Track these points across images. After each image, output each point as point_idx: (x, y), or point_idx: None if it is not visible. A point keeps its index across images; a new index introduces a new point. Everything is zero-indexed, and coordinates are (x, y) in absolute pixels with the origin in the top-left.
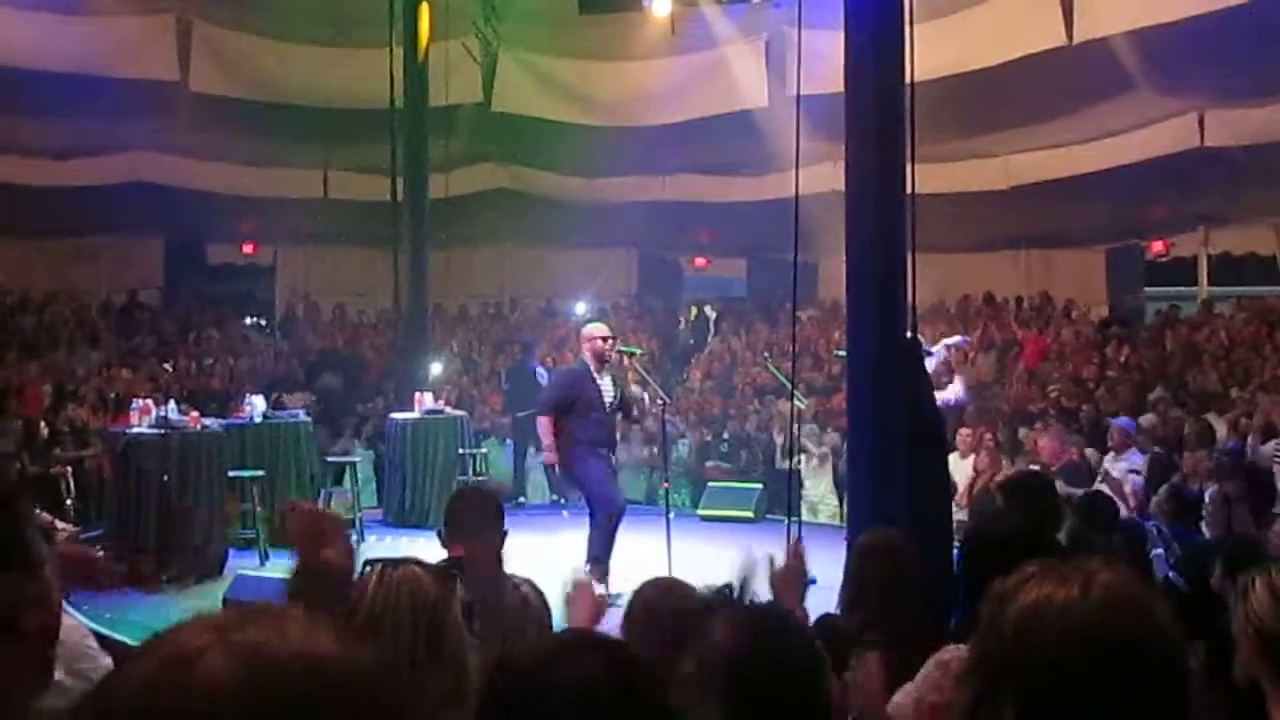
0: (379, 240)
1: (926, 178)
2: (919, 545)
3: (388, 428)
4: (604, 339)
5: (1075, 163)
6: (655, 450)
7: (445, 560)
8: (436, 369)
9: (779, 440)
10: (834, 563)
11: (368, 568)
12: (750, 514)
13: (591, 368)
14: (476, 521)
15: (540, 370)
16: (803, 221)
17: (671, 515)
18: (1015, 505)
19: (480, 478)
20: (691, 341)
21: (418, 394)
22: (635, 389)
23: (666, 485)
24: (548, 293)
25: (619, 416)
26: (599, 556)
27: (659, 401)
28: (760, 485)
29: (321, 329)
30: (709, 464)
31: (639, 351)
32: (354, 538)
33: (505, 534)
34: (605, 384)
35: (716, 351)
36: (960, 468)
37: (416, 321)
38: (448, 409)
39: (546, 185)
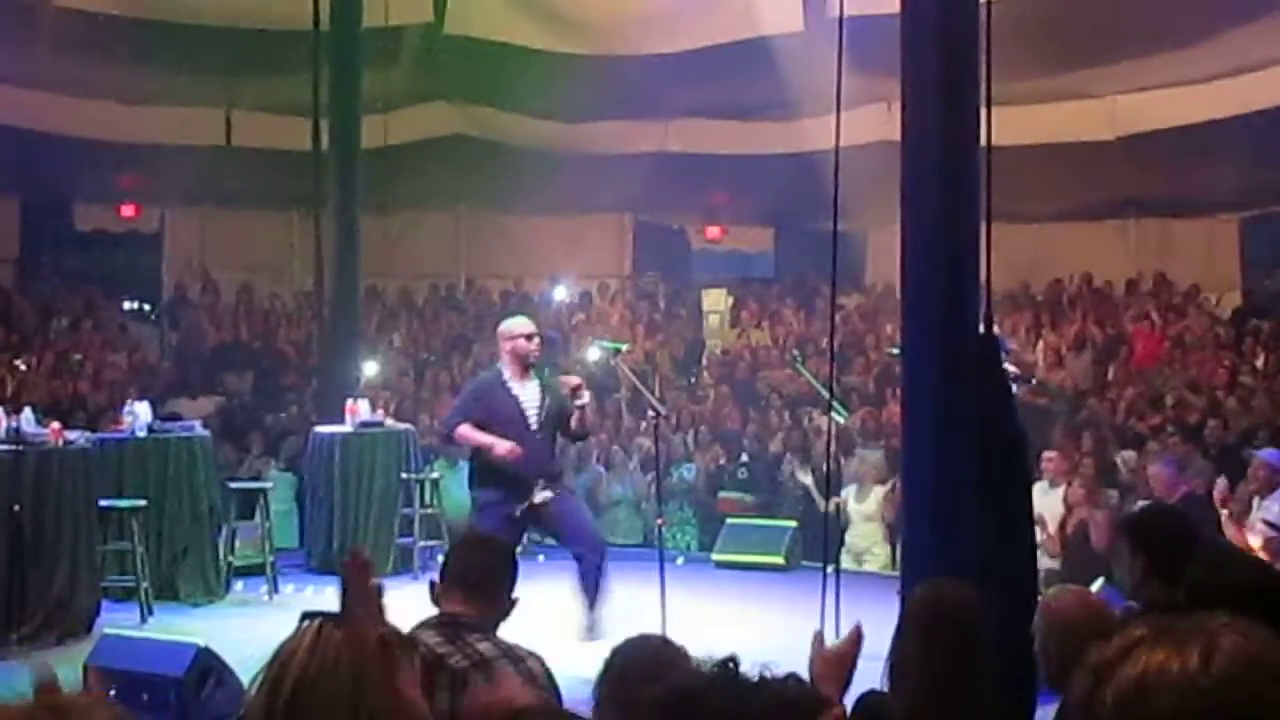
0: (297, 202)
1: (1007, 125)
2: (993, 602)
3: (310, 445)
4: (527, 337)
5: (1201, 106)
6: (650, 476)
7: (441, 616)
8: (372, 369)
9: (810, 471)
10: (883, 623)
11: (305, 622)
12: (780, 560)
13: (506, 374)
14: (488, 577)
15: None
16: (846, 181)
17: (679, 561)
18: (1141, 555)
19: (428, 510)
20: (701, 338)
21: (349, 402)
22: (579, 397)
23: (660, 522)
24: (516, 272)
25: (553, 435)
26: None
27: (651, 414)
28: (793, 523)
29: (223, 316)
30: (723, 494)
31: (625, 348)
32: (265, 586)
33: (515, 600)
34: (528, 394)
35: (734, 349)
36: (1047, 501)
37: (346, 307)
38: (389, 421)
39: (515, 132)
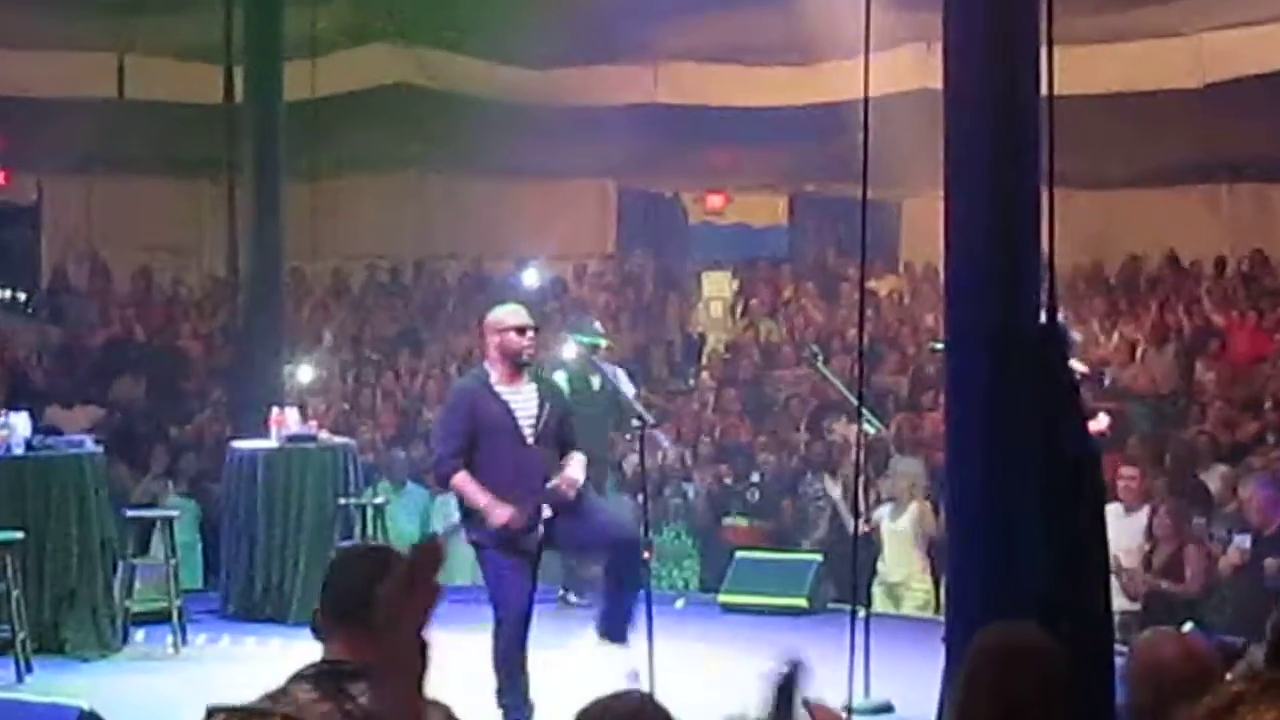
0: (206, 168)
1: (1073, 69)
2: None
3: (227, 464)
4: (518, 329)
5: None
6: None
7: (324, 663)
8: (301, 372)
9: (840, 485)
10: (926, 677)
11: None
12: (802, 601)
13: (493, 377)
14: (370, 605)
15: (608, 370)
16: (877, 139)
17: (678, 604)
18: None
19: (374, 544)
20: (700, 330)
21: (274, 411)
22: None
23: (648, 555)
24: (475, 251)
25: (557, 450)
26: (500, 684)
27: (636, 423)
28: (818, 557)
29: (115, 306)
30: (729, 521)
31: (605, 343)
32: (171, 637)
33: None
34: (522, 400)
35: (741, 345)
36: (1124, 528)
37: (267, 296)
38: (323, 434)
39: (472, 80)
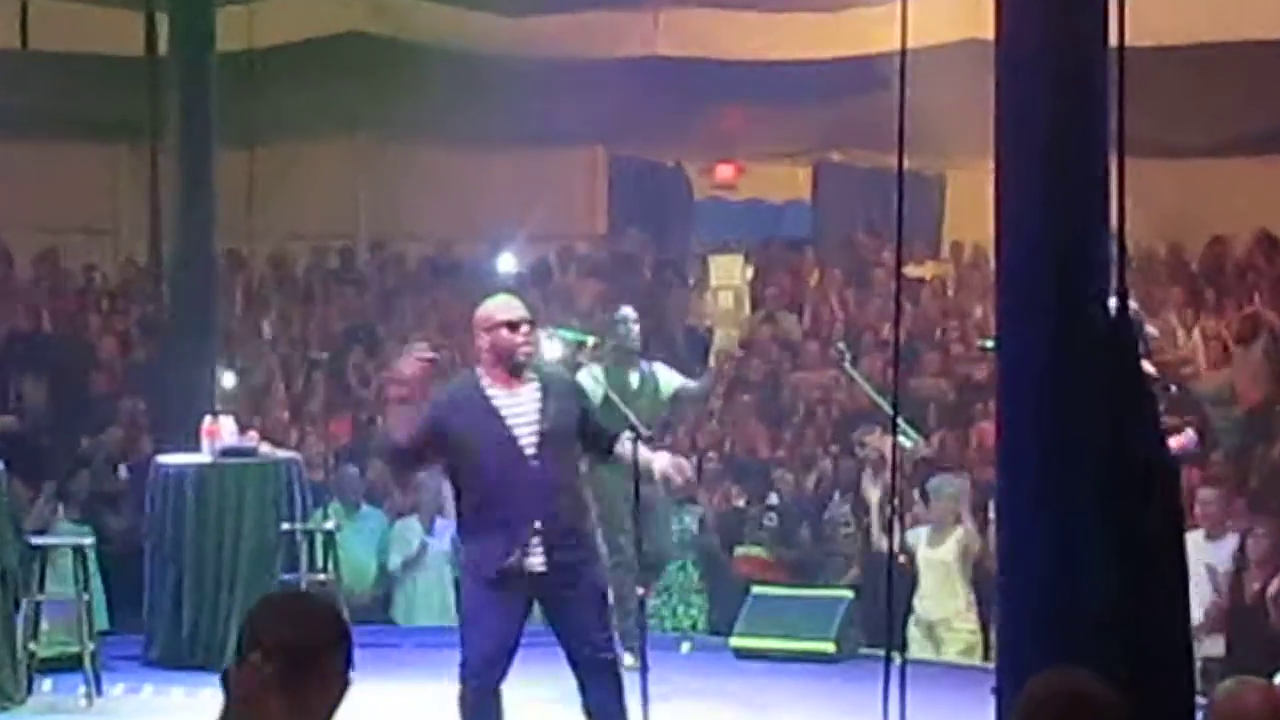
0: (123, 131)
1: (1147, 16)
2: (1133, 702)
3: (150, 482)
4: (509, 325)
5: None
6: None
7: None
8: (239, 375)
9: (873, 508)
10: None
11: None
12: (829, 646)
13: (485, 380)
14: (299, 649)
15: (647, 369)
16: (917, 99)
17: (684, 648)
18: None
19: (319, 576)
20: (707, 324)
21: (207, 420)
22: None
23: (644, 592)
24: (441, 231)
25: (570, 462)
26: None
27: (629, 434)
28: (848, 594)
29: (14, 294)
30: (742, 551)
31: (592, 340)
32: (84, 687)
33: (347, 683)
34: (519, 406)
35: (756, 342)
36: (1206, 557)
37: (195, 283)
38: (264, 447)
39: (436, 28)
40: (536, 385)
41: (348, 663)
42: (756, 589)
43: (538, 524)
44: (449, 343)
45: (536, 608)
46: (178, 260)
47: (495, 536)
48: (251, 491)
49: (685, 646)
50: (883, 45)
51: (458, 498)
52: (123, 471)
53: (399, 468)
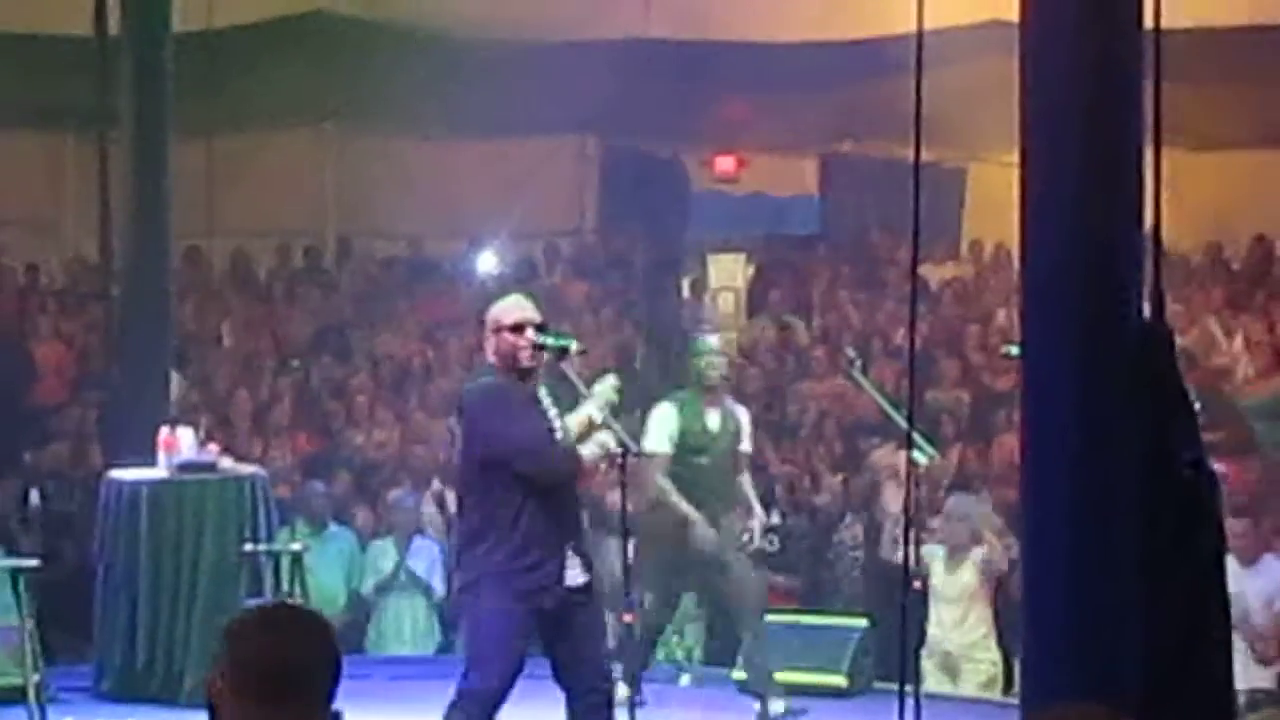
0: (70, 118)
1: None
2: None
3: (102, 498)
4: (512, 328)
5: None
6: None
7: None
8: (196, 382)
9: (890, 530)
10: None
11: None
12: (840, 680)
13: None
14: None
15: (732, 409)
16: (934, 86)
17: (683, 680)
18: None
19: (288, 600)
20: (707, 329)
21: (164, 431)
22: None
23: (630, 619)
24: (415, 227)
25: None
26: None
27: (617, 448)
28: (862, 622)
29: None
30: None
31: (576, 346)
32: None
33: (338, 715)
34: (546, 411)
35: (759, 347)
36: (1249, 584)
37: (149, 284)
38: (225, 461)
39: (410, 7)
40: (546, 393)
41: (332, 687)
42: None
43: (572, 542)
44: (424, 347)
45: None
46: (130, 258)
47: (534, 550)
48: (212, 509)
49: (685, 678)
50: (898, 27)
51: (483, 505)
52: (33, 498)
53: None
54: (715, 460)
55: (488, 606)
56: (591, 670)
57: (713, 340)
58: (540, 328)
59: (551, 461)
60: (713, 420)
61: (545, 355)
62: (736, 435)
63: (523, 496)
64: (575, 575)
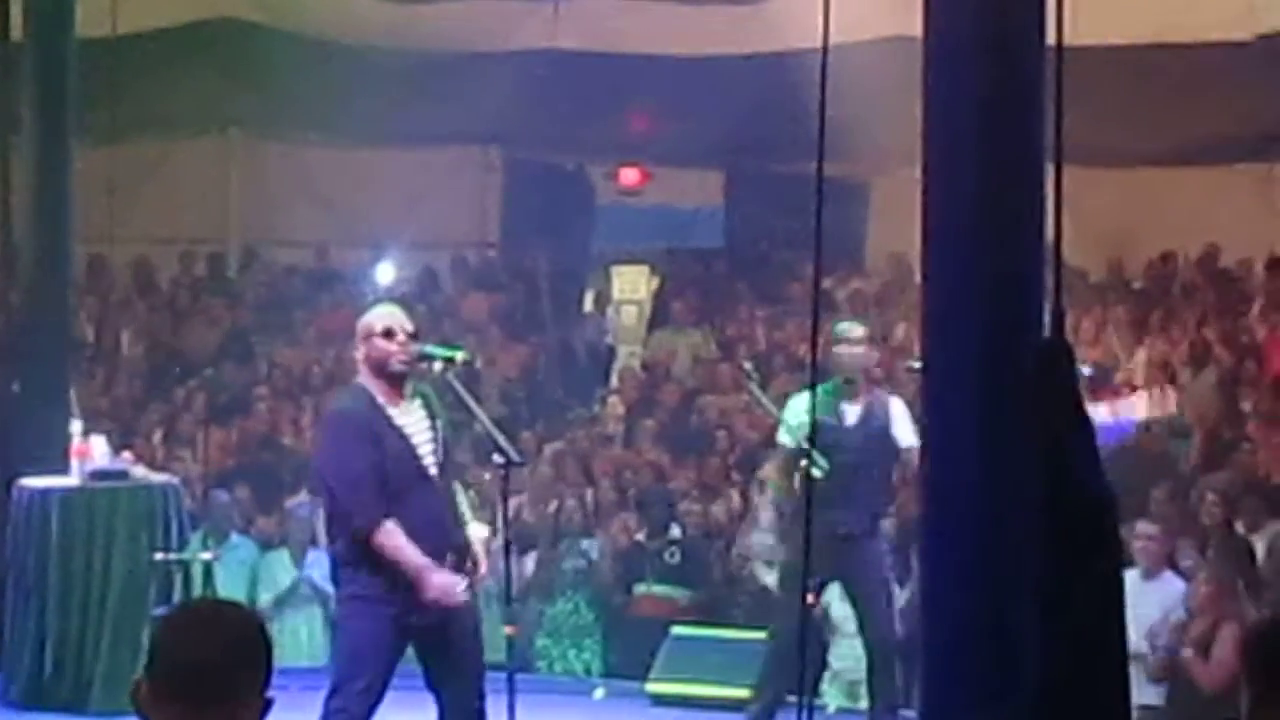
0: None
1: (1089, 14)
2: None
3: (13, 506)
4: (384, 334)
5: None
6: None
7: None
8: (98, 392)
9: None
10: None
11: None
12: (748, 694)
13: (379, 399)
14: (224, 676)
15: (879, 405)
16: (839, 100)
17: (598, 694)
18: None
19: (213, 598)
20: (609, 342)
21: (77, 440)
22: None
23: (511, 631)
24: (319, 236)
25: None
26: None
27: (499, 460)
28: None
29: None
30: (642, 589)
31: (461, 355)
32: None
33: (269, 702)
34: (414, 423)
35: (661, 361)
36: (1144, 599)
37: (49, 291)
38: (138, 469)
39: (316, 16)
40: (421, 403)
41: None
42: (676, 630)
43: (452, 552)
44: (326, 357)
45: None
46: (30, 265)
47: (403, 571)
48: (123, 518)
49: (598, 692)
50: (802, 41)
51: (345, 534)
52: None
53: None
54: (841, 454)
55: (354, 627)
56: (466, 683)
57: (851, 325)
58: (413, 336)
59: (352, 523)
60: (850, 412)
61: (438, 366)
62: (884, 433)
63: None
64: (459, 589)
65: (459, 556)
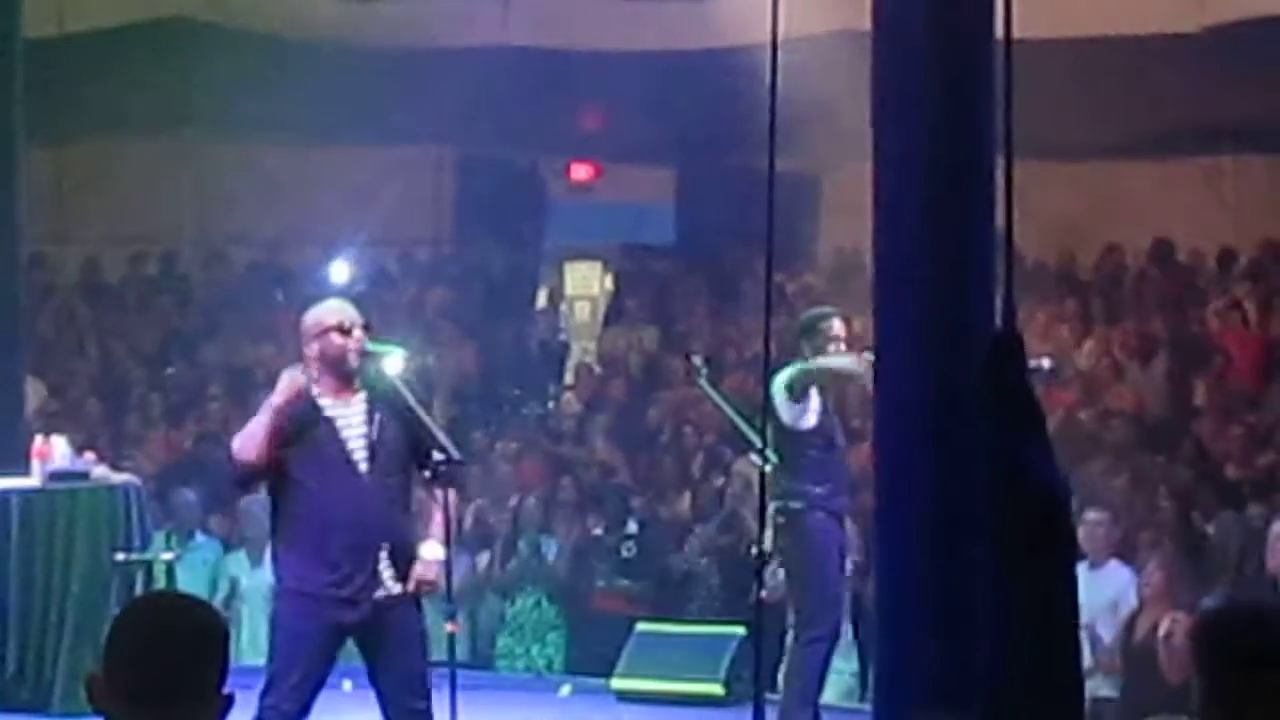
0: None
1: (1037, 6)
2: None
3: None
4: (340, 329)
5: None
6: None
7: None
8: (41, 389)
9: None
10: None
11: None
12: (717, 689)
13: (316, 390)
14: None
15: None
16: (789, 95)
17: (565, 690)
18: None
19: (170, 593)
20: (563, 338)
21: (38, 440)
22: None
23: (451, 629)
24: (271, 234)
25: (400, 479)
26: None
27: (439, 458)
28: (739, 631)
29: None
30: (602, 585)
31: (398, 352)
32: None
33: (229, 699)
34: (350, 417)
35: (615, 356)
36: (1095, 590)
37: (0, 291)
38: (99, 469)
39: (268, 14)
40: (364, 397)
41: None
42: (641, 626)
43: (385, 550)
44: (278, 354)
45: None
46: None
47: (320, 554)
48: (84, 518)
49: (565, 689)
50: (753, 36)
51: (276, 512)
52: None
53: (243, 489)
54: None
55: (287, 623)
56: (407, 680)
57: (835, 320)
58: (365, 328)
59: (235, 455)
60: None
61: (385, 363)
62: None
63: (288, 504)
64: (386, 587)
65: (392, 557)
